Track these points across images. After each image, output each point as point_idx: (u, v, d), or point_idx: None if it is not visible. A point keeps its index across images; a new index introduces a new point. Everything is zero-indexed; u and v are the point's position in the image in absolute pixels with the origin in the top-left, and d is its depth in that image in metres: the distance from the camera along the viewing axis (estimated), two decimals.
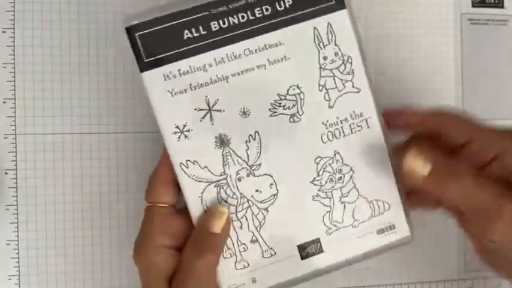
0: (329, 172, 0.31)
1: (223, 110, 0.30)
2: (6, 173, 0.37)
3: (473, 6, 0.42)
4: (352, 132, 0.31)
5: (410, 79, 0.41)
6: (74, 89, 0.38)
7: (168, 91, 0.30)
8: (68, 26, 0.38)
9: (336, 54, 0.31)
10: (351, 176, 0.32)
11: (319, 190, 0.31)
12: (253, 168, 0.31)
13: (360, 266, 0.39)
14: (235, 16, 0.30)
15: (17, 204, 0.37)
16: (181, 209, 0.33)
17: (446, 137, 0.31)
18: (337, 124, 0.31)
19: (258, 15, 0.30)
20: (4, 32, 0.37)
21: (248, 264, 0.31)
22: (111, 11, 0.38)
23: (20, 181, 0.37)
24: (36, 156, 0.37)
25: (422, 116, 0.32)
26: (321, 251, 0.32)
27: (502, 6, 0.43)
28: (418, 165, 0.29)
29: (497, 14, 0.43)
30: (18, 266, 0.37)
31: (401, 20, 0.42)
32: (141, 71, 0.30)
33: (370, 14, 0.41)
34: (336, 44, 0.31)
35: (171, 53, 0.30)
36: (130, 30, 0.29)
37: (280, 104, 0.31)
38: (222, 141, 0.31)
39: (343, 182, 0.32)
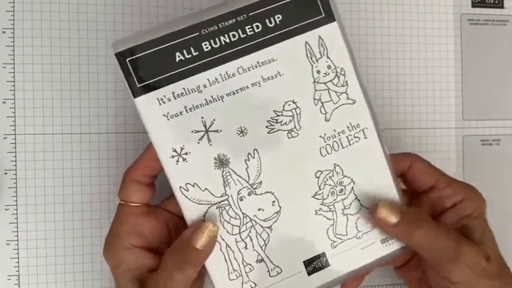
0: (330, 185, 0.31)
1: (221, 130, 0.30)
2: (5, 173, 0.37)
3: (473, 6, 0.42)
4: (350, 144, 0.31)
5: (410, 80, 0.42)
6: (74, 89, 0.38)
7: (164, 115, 0.29)
8: (67, 26, 0.38)
9: (329, 67, 0.31)
10: (352, 188, 0.32)
11: (321, 204, 0.31)
12: (254, 187, 0.31)
13: None
14: (226, 35, 0.29)
15: (16, 204, 0.37)
16: (155, 208, 0.33)
17: (412, 181, 0.34)
18: (335, 137, 0.31)
19: (249, 33, 0.30)
20: (4, 32, 0.37)
21: (255, 285, 0.31)
22: (111, 11, 0.38)
23: (20, 181, 0.37)
24: (36, 156, 0.37)
25: (393, 157, 0.33)
26: (327, 264, 0.32)
27: (502, 7, 0.43)
28: (388, 214, 0.31)
29: (497, 14, 0.43)
30: (18, 266, 0.37)
31: (401, 20, 0.42)
32: (135, 96, 0.29)
33: (370, 15, 0.41)
34: (328, 57, 0.31)
35: (164, 76, 0.29)
36: (120, 56, 0.29)
37: (277, 120, 0.30)
38: (221, 162, 0.30)
39: (344, 194, 0.32)
